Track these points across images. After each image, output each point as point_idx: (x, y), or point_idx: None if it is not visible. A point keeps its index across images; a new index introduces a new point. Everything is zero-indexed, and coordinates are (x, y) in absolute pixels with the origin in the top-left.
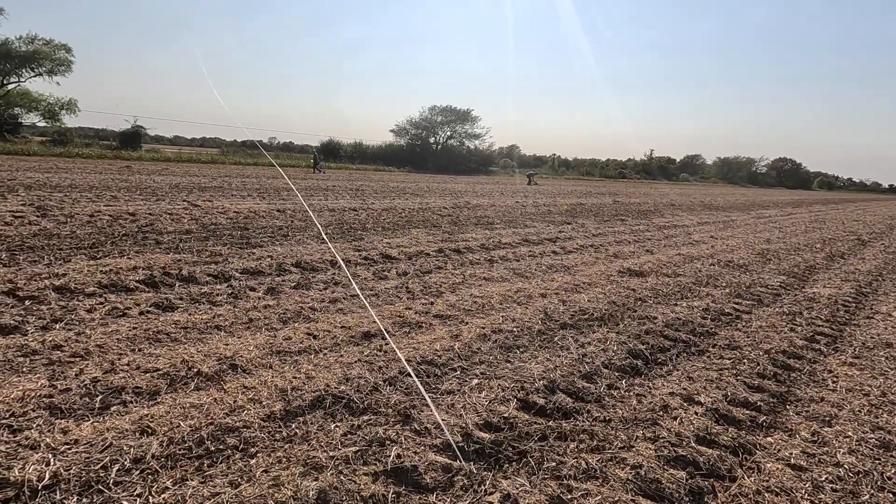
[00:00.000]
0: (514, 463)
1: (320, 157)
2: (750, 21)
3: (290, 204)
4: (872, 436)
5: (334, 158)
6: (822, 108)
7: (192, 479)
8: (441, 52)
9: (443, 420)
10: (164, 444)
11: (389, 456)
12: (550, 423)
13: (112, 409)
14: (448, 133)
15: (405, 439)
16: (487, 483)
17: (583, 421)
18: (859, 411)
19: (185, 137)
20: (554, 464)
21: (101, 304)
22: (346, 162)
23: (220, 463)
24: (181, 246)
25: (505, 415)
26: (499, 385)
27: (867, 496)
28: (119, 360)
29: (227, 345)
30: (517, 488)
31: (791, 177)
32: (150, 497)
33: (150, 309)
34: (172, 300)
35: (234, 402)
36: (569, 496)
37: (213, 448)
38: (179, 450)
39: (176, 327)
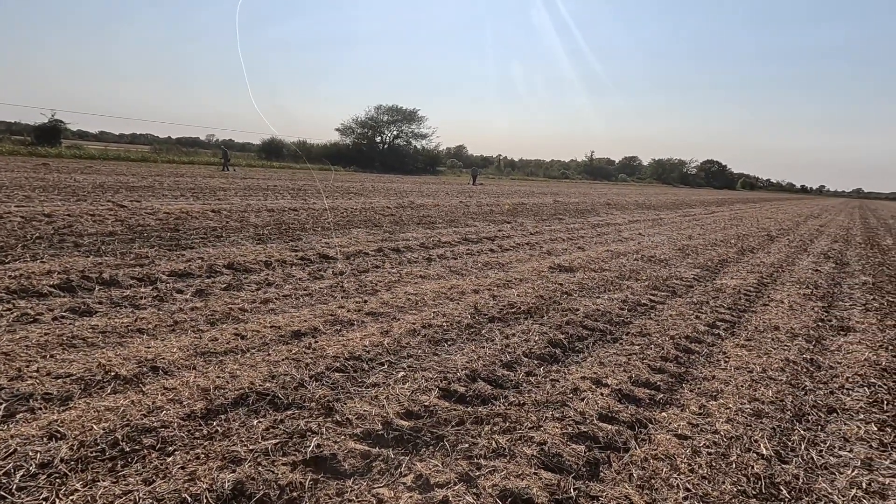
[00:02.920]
0: (430, 447)
1: (229, 154)
2: (681, 31)
3: (227, 204)
4: (748, 406)
5: (277, 158)
6: (748, 113)
7: (103, 480)
8: (387, 52)
9: (365, 410)
10: (75, 448)
11: (309, 446)
12: (468, 409)
13: (18, 416)
14: (395, 132)
15: (326, 430)
16: (403, 466)
17: (499, 406)
18: (741, 386)
19: (113, 133)
20: (467, 445)
21: (9, 310)
22: (290, 161)
23: (135, 462)
24: (103, 249)
25: (426, 403)
26: (423, 376)
27: (735, 457)
28: (27, 367)
29: (149, 347)
30: (430, 469)
31: (718, 177)
32: (58, 499)
33: (64, 314)
34: (91, 304)
35: (153, 403)
36: (477, 473)
37: (127, 449)
38: (91, 452)
39: (93, 332)
